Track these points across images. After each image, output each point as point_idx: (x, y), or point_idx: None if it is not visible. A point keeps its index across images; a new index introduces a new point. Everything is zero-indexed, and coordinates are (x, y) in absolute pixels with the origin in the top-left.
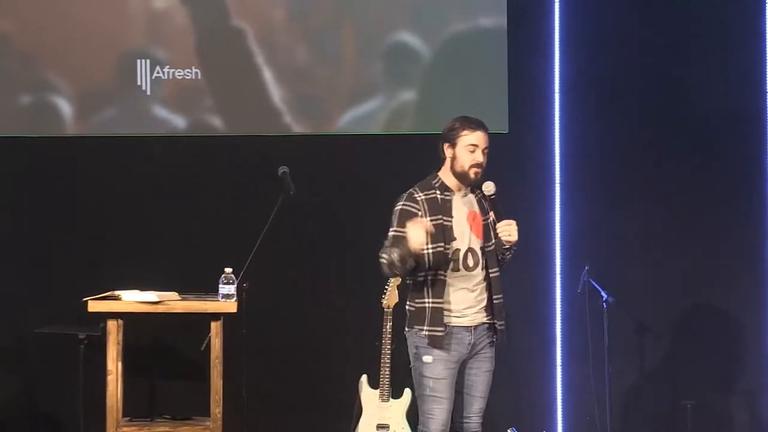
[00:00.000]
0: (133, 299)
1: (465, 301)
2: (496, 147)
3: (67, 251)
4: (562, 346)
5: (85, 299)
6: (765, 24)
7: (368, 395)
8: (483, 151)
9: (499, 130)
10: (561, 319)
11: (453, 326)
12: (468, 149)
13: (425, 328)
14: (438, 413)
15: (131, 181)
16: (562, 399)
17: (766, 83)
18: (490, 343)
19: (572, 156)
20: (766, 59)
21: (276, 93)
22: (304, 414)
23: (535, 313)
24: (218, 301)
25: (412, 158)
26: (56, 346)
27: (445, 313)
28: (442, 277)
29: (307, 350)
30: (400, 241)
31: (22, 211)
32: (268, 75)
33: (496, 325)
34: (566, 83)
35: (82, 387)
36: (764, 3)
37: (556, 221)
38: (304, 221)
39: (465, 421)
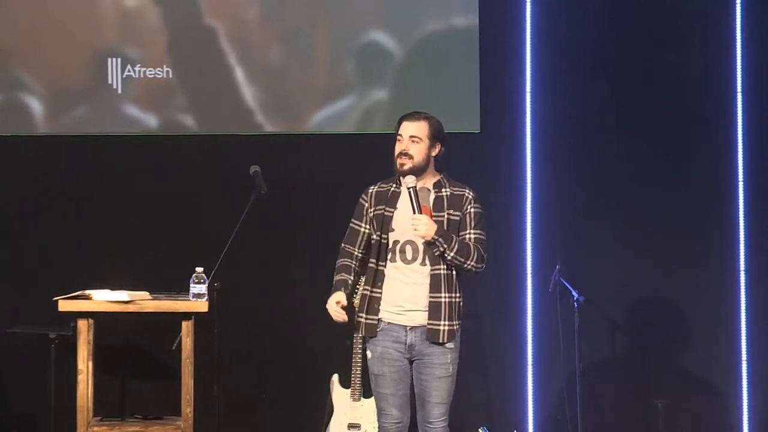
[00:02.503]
0: (104, 299)
1: (399, 295)
2: (467, 147)
3: (38, 250)
4: (533, 345)
5: (55, 298)
6: (735, 22)
7: (339, 395)
8: (409, 140)
9: (471, 129)
10: (532, 318)
11: (389, 322)
12: (397, 139)
13: (357, 314)
14: (387, 409)
15: (102, 180)
16: (533, 398)
17: (737, 84)
18: (438, 348)
19: (544, 156)
20: (736, 59)
21: (248, 92)
22: (276, 413)
23: (507, 312)
24: (189, 300)
25: (384, 157)
26: (27, 346)
27: (377, 303)
28: (379, 267)
29: (279, 349)
30: (350, 233)
31: None
32: (240, 74)
33: (431, 326)
34: (538, 83)
35: (53, 386)
36: (734, 1)
37: (528, 220)
38: (276, 220)
39: (427, 425)
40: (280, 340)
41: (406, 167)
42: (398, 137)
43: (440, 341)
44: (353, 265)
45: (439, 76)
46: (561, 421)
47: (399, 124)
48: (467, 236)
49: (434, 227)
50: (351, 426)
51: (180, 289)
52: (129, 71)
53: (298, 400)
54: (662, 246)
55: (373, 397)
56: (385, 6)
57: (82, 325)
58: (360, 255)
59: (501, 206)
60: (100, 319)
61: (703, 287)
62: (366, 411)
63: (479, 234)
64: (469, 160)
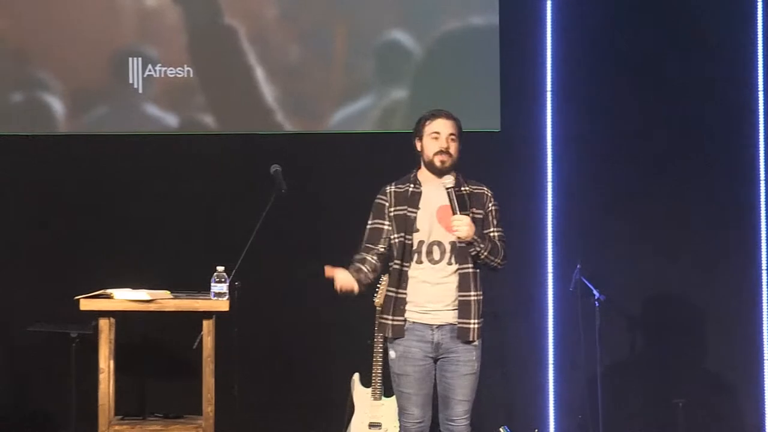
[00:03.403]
0: (125, 297)
1: (425, 295)
2: (487, 145)
3: (59, 249)
4: (554, 345)
5: (76, 297)
6: (757, 21)
7: (360, 394)
8: (448, 138)
9: (491, 128)
10: (553, 318)
11: (414, 322)
12: (432, 137)
13: (381, 316)
14: (410, 409)
15: (123, 179)
16: (554, 397)
17: (758, 82)
18: (464, 345)
19: (564, 154)
20: (758, 57)
21: (268, 91)
22: (296, 412)
23: (527, 311)
24: (210, 299)
25: (403, 156)
26: (48, 345)
27: (403, 304)
28: (404, 268)
29: (299, 348)
30: (371, 234)
31: (14, 210)
32: (259, 73)
33: (462, 324)
34: (558, 81)
35: (75, 385)
36: (755, 0)
37: (548, 219)
38: (296, 219)
39: (449, 423)
40: (301, 339)
41: (447, 165)
42: (434, 135)
43: (471, 339)
44: (370, 259)
45: (459, 75)
46: (582, 421)
47: (428, 121)
48: (491, 234)
49: (473, 228)
50: (372, 425)
51: (201, 288)
52: (150, 70)
53: (319, 399)
54: (683, 245)
55: (393, 397)
56: (405, 5)
57: (104, 324)
58: (383, 250)
59: (521, 205)
60: (121, 318)
61: (724, 286)
62: (387, 410)
63: (501, 231)
64: (490, 159)
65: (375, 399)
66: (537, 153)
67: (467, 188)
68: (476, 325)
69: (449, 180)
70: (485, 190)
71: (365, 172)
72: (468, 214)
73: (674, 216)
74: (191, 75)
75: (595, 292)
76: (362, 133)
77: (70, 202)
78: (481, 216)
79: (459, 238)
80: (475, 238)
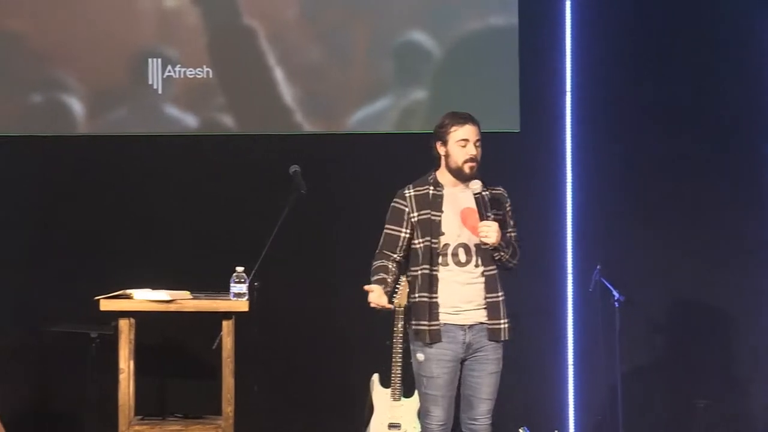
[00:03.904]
0: (144, 298)
1: (457, 296)
2: (507, 146)
3: (79, 250)
4: (573, 345)
5: (97, 298)
6: None
7: (380, 394)
8: (475, 144)
9: (511, 129)
10: (573, 318)
11: (445, 323)
12: (459, 144)
13: (417, 323)
14: (435, 411)
15: (142, 180)
16: (573, 398)
17: None
18: (492, 344)
19: (583, 155)
20: None
21: (287, 92)
22: (316, 413)
23: (547, 312)
24: (230, 300)
25: (423, 157)
26: (68, 345)
27: (437, 308)
28: (433, 272)
29: (319, 349)
30: (388, 240)
31: (35, 210)
32: (279, 74)
33: (493, 325)
34: (578, 82)
35: (95, 386)
36: None
37: (568, 220)
38: (315, 220)
39: (471, 423)
40: (320, 340)
41: (474, 171)
42: (462, 142)
43: (502, 339)
44: (391, 267)
45: (478, 76)
46: (602, 422)
47: (455, 126)
48: (509, 235)
49: (500, 233)
50: (391, 425)
51: (220, 288)
52: (169, 71)
53: (339, 399)
54: (703, 245)
55: (412, 398)
56: (424, 5)
57: (124, 324)
58: (399, 259)
59: (541, 206)
60: (141, 318)
61: (745, 287)
62: (406, 411)
63: (516, 231)
64: (509, 160)
65: (394, 400)
66: (556, 154)
67: (488, 191)
68: (506, 325)
69: (477, 185)
70: (502, 191)
71: (384, 173)
72: (494, 219)
73: (695, 216)
74: (210, 76)
75: (614, 292)
76: (381, 133)
77: (90, 203)
78: (501, 217)
79: (486, 244)
80: (502, 243)
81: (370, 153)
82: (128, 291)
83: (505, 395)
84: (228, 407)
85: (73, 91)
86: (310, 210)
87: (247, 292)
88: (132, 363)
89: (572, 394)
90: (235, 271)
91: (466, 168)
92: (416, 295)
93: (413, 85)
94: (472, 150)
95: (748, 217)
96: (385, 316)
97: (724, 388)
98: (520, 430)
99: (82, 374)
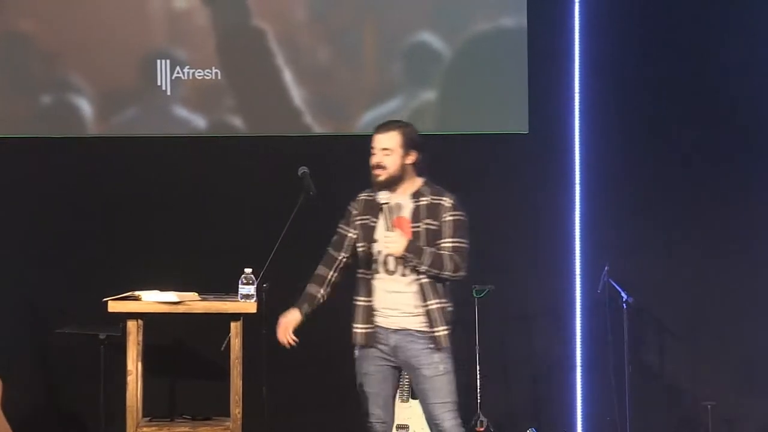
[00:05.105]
0: (153, 299)
1: (386, 301)
2: (515, 147)
3: (88, 252)
4: (582, 347)
5: (105, 299)
6: None
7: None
8: (382, 152)
9: (519, 130)
10: (581, 320)
11: (377, 325)
12: (372, 152)
13: (359, 326)
14: (373, 409)
15: (151, 181)
16: (582, 399)
17: None
18: (426, 350)
19: (592, 156)
20: None
21: (296, 93)
22: (324, 414)
23: (555, 313)
24: (238, 301)
25: (432, 158)
26: (77, 347)
27: (371, 312)
28: (368, 276)
29: (327, 350)
30: (336, 238)
31: (44, 212)
32: (288, 75)
33: (425, 333)
34: (586, 83)
35: (103, 387)
36: None
37: (576, 221)
38: (324, 222)
39: (436, 422)
40: (328, 341)
41: (380, 179)
42: (372, 149)
43: (437, 347)
44: (330, 276)
45: (487, 77)
46: (610, 423)
47: (373, 135)
48: (444, 245)
49: (404, 244)
50: (399, 427)
51: (228, 290)
52: (178, 72)
53: (347, 400)
54: (712, 246)
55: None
56: (433, 6)
57: (132, 325)
58: (344, 260)
59: (549, 207)
60: (149, 319)
61: (753, 289)
62: (414, 412)
63: (456, 242)
64: (518, 161)
65: (402, 401)
66: (565, 155)
67: (426, 199)
68: (443, 332)
69: (383, 196)
70: (445, 200)
71: None
72: (419, 227)
73: (703, 219)
74: (219, 77)
75: (623, 294)
76: None
77: (98, 204)
78: (435, 227)
79: (390, 254)
80: (406, 254)
81: None
82: (136, 292)
83: (512, 396)
84: (236, 409)
85: (83, 92)
86: (319, 211)
87: (255, 293)
88: (140, 364)
89: (580, 395)
90: (243, 272)
91: (373, 176)
92: (355, 297)
93: (423, 87)
94: (374, 159)
95: (758, 216)
96: None
97: (733, 390)
98: (528, 430)
99: (90, 375)
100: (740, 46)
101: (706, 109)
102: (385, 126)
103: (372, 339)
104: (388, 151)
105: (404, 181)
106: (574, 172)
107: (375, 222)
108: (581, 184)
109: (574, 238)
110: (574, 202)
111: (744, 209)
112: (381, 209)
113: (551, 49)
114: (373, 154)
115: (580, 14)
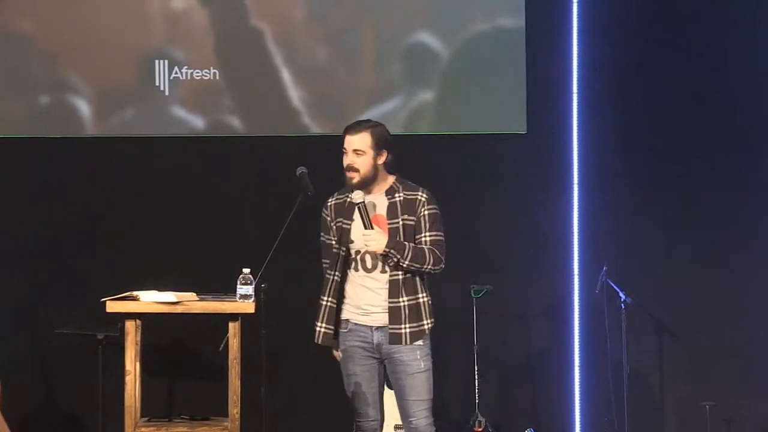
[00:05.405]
0: (151, 300)
1: (366, 298)
2: (514, 147)
3: (86, 252)
4: (580, 347)
5: (103, 300)
6: None
7: (386, 395)
8: (354, 153)
9: (518, 130)
10: (579, 320)
11: (354, 323)
12: (343, 153)
13: (320, 324)
14: (363, 408)
15: (149, 181)
16: (580, 400)
17: None
18: (408, 346)
19: (590, 156)
20: None
21: (294, 93)
22: (323, 414)
23: (553, 314)
24: (236, 301)
25: (430, 158)
26: (75, 347)
27: (347, 309)
28: (336, 278)
29: (325, 350)
30: (327, 250)
31: (41, 212)
32: (286, 75)
33: (393, 330)
34: (585, 83)
35: (101, 387)
36: None
37: (574, 221)
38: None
39: (408, 423)
40: None
41: (354, 181)
42: (343, 150)
43: (403, 344)
44: (333, 305)
45: (486, 77)
46: (608, 423)
47: (344, 136)
48: (423, 239)
49: (385, 240)
50: (397, 427)
51: (227, 290)
52: (176, 73)
53: (345, 401)
54: (710, 247)
55: None
56: (432, 7)
57: (130, 326)
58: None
59: (547, 207)
60: (148, 319)
61: (752, 289)
62: None
63: (435, 236)
64: (516, 161)
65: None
66: (563, 155)
67: (401, 195)
68: (408, 330)
69: (358, 196)
70: (419, 195)
71: None
72: (397, 223)
73: (702, 218)
74: (218, 77)
75: (621, 294)
76: None
77: (97, 205)
78: (412, 222)
79: (371, 252)
80: (388, 250)
81: None
82: (134, 292)
83: (511, 396)
84: (234, 409)
85: (81, 92)
86: (317, 211)
87: (253, 293)
88: (138, 364)
89: (578, 394)
90: (241, 272)
91: (346, 177)
92: (324, 298)
93: (421, 87)
94: (346, 160)
95: (758, 217)
96: None
97: (732, 390)
98: (526, 431)
99: (88, 376)
100: (740, 46)
101: (705, 109)
102: (355, 127)
103: (329, 340)
104: (359, 151)
105: (377, 181)
106: (573, 172)
107: (348, 224)
108: (579, 184)
109: (572, 238)
110: (573, 202)
111: (743, 209)
112: (356, 209)
113: (550, 49)
114: (345, 155)
115: (578, 14)
